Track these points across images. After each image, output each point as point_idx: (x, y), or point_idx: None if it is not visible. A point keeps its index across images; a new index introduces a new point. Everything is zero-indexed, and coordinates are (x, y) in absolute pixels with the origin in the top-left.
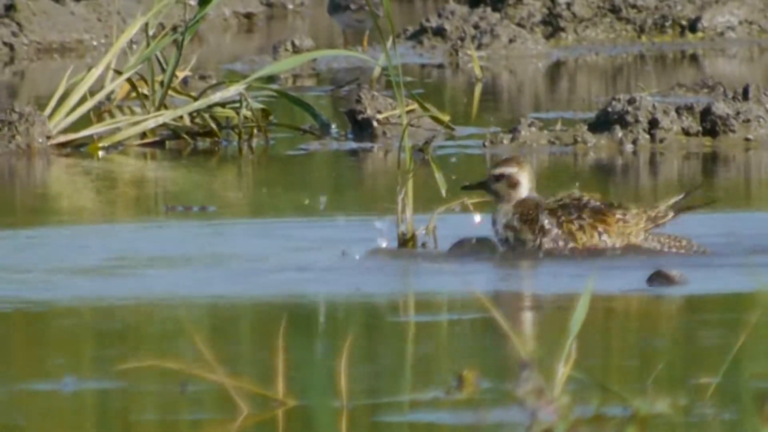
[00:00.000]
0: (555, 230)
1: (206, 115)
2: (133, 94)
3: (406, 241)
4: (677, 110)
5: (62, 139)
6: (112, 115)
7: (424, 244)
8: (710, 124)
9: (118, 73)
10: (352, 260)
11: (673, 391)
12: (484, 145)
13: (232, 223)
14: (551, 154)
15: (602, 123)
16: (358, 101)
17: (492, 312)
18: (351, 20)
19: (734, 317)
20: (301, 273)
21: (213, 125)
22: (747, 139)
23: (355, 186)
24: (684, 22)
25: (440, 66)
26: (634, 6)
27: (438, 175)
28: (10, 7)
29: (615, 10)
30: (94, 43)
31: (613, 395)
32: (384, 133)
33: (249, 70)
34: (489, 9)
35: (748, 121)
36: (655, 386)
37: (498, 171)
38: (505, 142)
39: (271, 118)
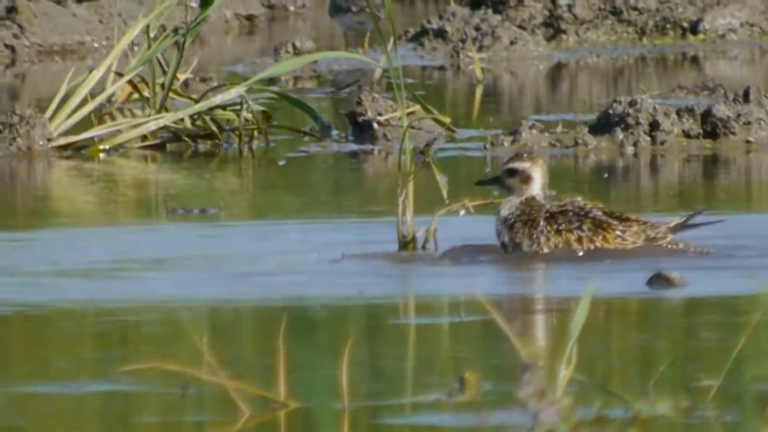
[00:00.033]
0: (552, 239)
1: (207, 118)
2: (134, 97)
3: (406, 244)
4: (678, 112)
5: (63, 141)
6: (113, 118)
7: (424, 246)
8: (711, 127)
9: (120, 75)
10: (352, 262)
11: (675, 393)
12: (485, 148)
13: (233, 226)
14: (552, 157)
15: (603, 125)
16: (359, 103)
17: (493, 314)
18: (352, 22)
19: (735, 319)
20: (301, 275)
21: (214, 127)
22: (748, 142)
23: (355, 188)
24: (685, 24)
25: (441, 68)
26: (635, 8)
27: (439, 177)
28: (11, 9)
29: (616, 12)
30: (96, 45)
31: (614, 397)
32: (385, 135)
33: (250, 72)
34: (490, 11)
35: (749, 123)
36: (657, 388)
37: (511, 166)
38: (506, 144)
39: (271, 120)
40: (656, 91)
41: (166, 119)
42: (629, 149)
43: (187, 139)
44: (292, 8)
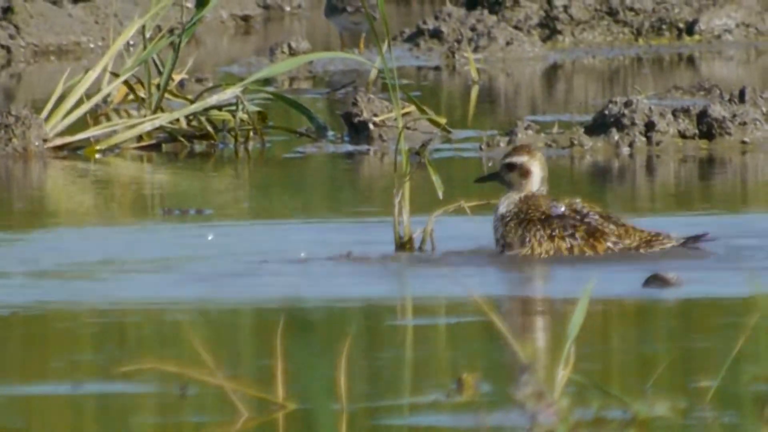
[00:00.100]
0: (545, 245)
1: (203, 118)
2: (130, 97)
3: (403, 244)
4: (674, 113)
5: (59, 142)
6: (108, 118)
7: (421, 247)
8: (707, 127)
9: (115, 75)
10: (351, 263)
11: (673, 394)
12: (480, 148)
13: (229, 226)
14: (548, 157)
15: (599, 126)
16: (355, 104)
17: (491, 315)
18: (347, 23)
19: (732, 319)
20: (298, 275)
21: (209, 128)
22: (743, 142)
23: (351, 189)
24: (681, 25)
25: (437, 68)
26: (631, 9)
27: (435, 178)
28: (7, 10)
29: (612, 13)
30: (91, 45)
31: (612, 398)
32: (380, 136)
33: (246, 72)
34: (486, 11)
35: (745, 123)
36: (655, 389)
37: (509, 160)
38: (502, 144)
39: (267, 121)
40: (652, 92)
41: (162, 120)
42: (625, 150)
43: (182, 139)
44: (287, 9)
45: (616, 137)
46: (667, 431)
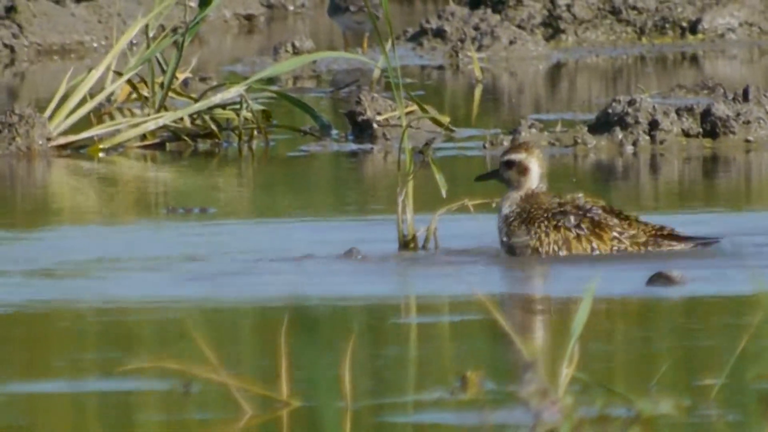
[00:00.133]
0: (551, 235)
1: (207, 117)
2: (134, 96)
3: (407, 243)
4: (677, 112)
5: (62, 141)
6: (112, 117)
7: (425, 246)
8: (710, 126)
9: (119, 74)
10: (354, 261)
11: (677, 392)
12: (484, 147)
13: (233, 225)
14: (551, 156)
15: (602, 124)
16: (358, 103)
17: (495, 314)
18: (351, 22)
19: (736, 318)
20: (302, 274)
21: (213, 127)
22: (747, 141)
23: (355, 187)
24: (684, 24)
25: (440, 67)
26: (634, 8)
27: (438, 177)
28: (10, 9)
29: (615, 12)
30: (95, 44)
31: (616, 396)
32: (384, 134)
33: (249, 71)
34: (489, 11)
35: (749, 122)
36: (659, 387)
37: (507, 158)
38: (506, 143)
39: (271, 119)
40: (655, 91)
41: (166, 118)
42: (629, 148)
43: (186, 138)
44: (291, 8)
45: (620, 136)
46: (671, 429)
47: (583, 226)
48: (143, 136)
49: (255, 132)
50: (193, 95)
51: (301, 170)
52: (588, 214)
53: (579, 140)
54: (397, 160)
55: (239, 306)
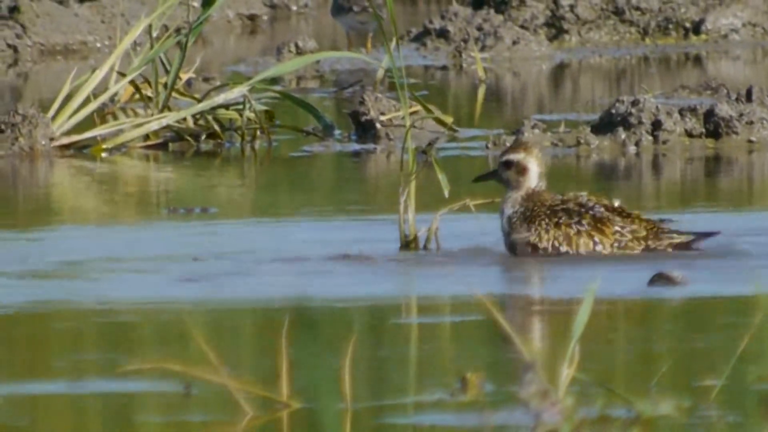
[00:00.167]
0: (552, 232)
1: (210, 117)
2: (137, 96)
3: (408, 243)
4: (680, 112)
5: (65, 141)
6: (115, 117)
7: (426, 246)
8: (713, 126)
9: (122, 75)
10: (354, 262)
11: (677, 392)
12: (487, 147)
13: (234, 225)
14: (554, 156)
15: (605, 125)
16: (362, 103)
17: (495, 315)
18: (354, 22)
19: (737, 318)
20: (303, 275)
21: (216, 127)
22: (750, 141)
23: (357, 187)
24: (688, 25)
25: (444, 68)
26: (637, 8)
27: (441, 177)
28: (13, 9)
29: (618, 13)
30: (98, 44)
31: (617, 397)
32: (387, 134)
33: (252, 71)
34: (492, 11)
35: (752, 123)
36: (659, 388)
37: (506, 158)
38: (508, 143)
39: (274, 120)
40: (659, 91)
41: (169, 119)
42: (632, 149)
43: (189, 138)
44: (294, 8)
45: (623, 136)
46: (671, 430)
47: (584, 222)
48: (146, 137)
49: (258, 132)
50: (197, 95)
51: (304, 170)
52: (590, 212)
53: (582, 141)
54: (399, 160)
55: (240, 306)
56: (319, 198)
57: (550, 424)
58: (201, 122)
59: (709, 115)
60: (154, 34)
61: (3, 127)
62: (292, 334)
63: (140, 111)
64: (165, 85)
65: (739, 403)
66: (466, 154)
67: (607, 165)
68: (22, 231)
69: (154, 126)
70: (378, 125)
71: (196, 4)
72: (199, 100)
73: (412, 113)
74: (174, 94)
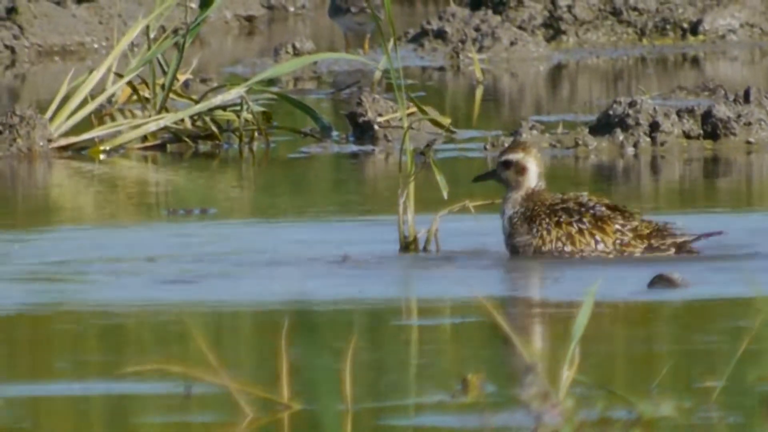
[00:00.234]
0: (553, 232)
1: (207, 118)
2: (135, 97)
3: (408, 244)
4: (678, 113)
5: (63, 142)
6: (113, 119)
7: (426, 247)
8: (711, 127)
9: (120, 76)
10: (353, 263)
11: (678, 394)
12: (485, 148)
13: (233, 226)
14: (552, 157)
15: (603, 126)
16: (359, 104)
17: (496, 316)
18: (352, 23)
19: (737, 320)
20: (302, 276)
21: (214, 128)
22: (748, 142)
23: (356, 189)
24: (685, 25)
25: (441, 69)
26: (635, 9)
27: (439, 178)
28: (11, 10)
29: (616, 13)
30: (96, 45)
31: (617, 398)
32: (385, 136)
33: (250, 73)
34: (490, 12)
35: (749, 124)
36: (660, 389)
37: (505, 158)
38: (506, 144)
39: (272, 121)
40: (656, 92)
41: (167, 120)
42: (629, 150)
43: (187, 139)
44: (291, 9)
45: (621, 137)
46: (672, 431)
47: (584, 220)
48: (144, 138)
49: (255, 133)
50: (194, 97)
51: (302, 172)
52: (590, 210)
53: (580, 142)
54: (398, 161)
55: (240, 308)
56: (318, 199)
57: (551, 426)
58: (199, 123)
59: (707, 116)
60: (152, 36)
61: (1, 128)
62: (292, 335)
63: (138, 112)
64: (162, 87)
65: (739, 404)
66: (464, 156)
67: (605, 166)
68: (20, 232)
69: (151, 127)
70: (376, 126)
71: (194, 5)
72: (197, 102)
73: (409, 114)
74: (171, 95)
